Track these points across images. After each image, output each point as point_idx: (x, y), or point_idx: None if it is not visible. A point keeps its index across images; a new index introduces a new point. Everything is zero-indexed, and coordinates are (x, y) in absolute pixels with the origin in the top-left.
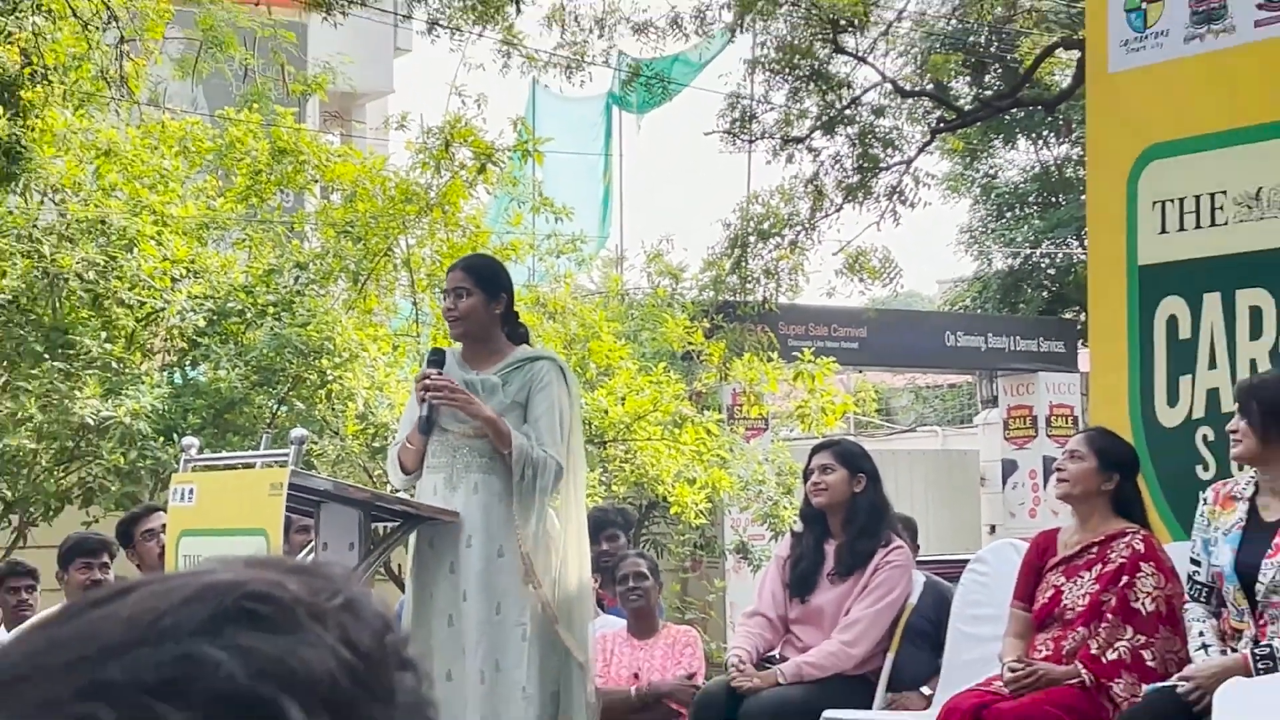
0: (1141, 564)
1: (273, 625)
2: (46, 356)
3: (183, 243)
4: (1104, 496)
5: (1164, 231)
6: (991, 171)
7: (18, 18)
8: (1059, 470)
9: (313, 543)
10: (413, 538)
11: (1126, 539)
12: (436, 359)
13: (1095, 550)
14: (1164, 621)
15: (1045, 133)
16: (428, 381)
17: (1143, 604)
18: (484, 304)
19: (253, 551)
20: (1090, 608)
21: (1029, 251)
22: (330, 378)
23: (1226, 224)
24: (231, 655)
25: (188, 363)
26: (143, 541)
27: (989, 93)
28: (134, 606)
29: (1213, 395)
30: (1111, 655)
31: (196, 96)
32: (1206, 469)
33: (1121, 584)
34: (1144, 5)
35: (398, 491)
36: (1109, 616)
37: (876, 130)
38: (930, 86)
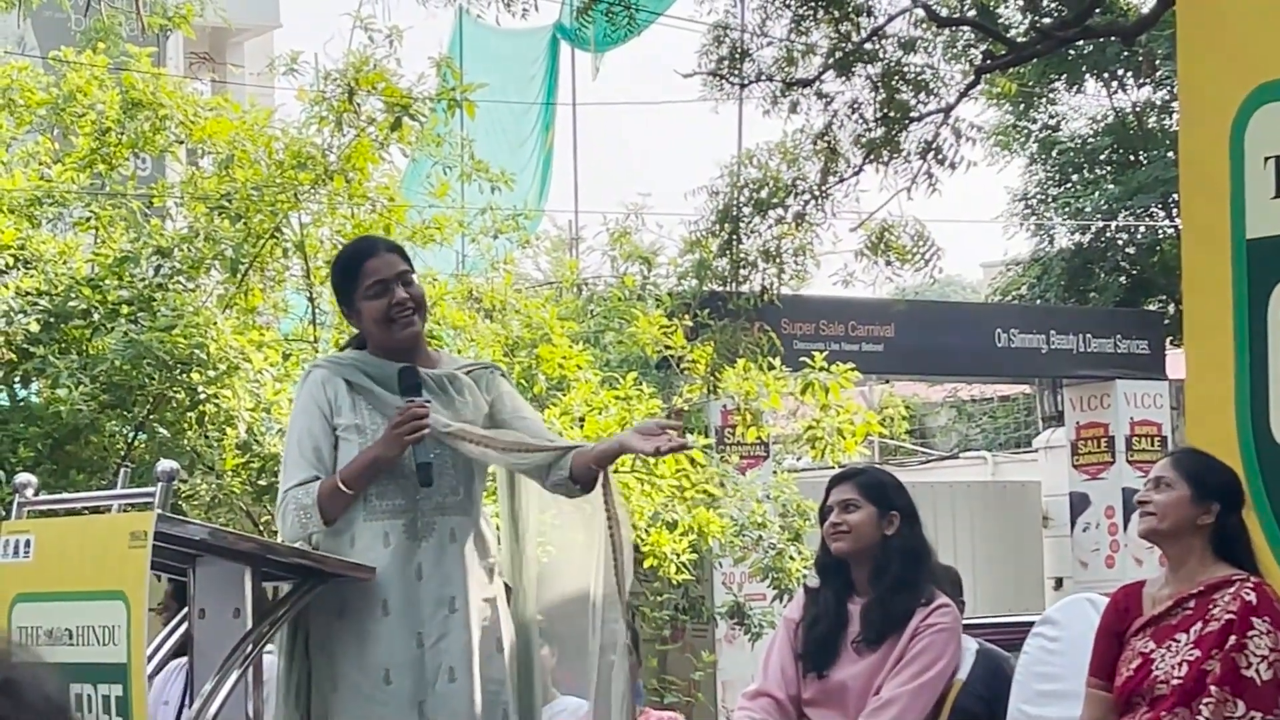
0: (1254, 619)
1: None
2: None
3: (9, 223)
4: (1201, 534)
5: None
6: (1052, 122)
7: None
8: (1142, 502)
9: (185, 610)
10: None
11: (1233, 589)
12: (414, 381)
13: (1193, 605)
14: None
15: (1121, 71)
16: (413, 412)
17: (1257, 670)
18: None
19: (109, 619)
20: (1190, 680)
21: (1102, 225)
22: (202, 396)
23: None
24: None
25: (17, 379)
26: None
27: (1049, 20)
28: None
29: None
30: None
31: (25, 34)
32: None
33: (1228, 646)
34: None
35: (294, 541)
36: (1213, 689)
37: (905, 70)
38: (974, 13)
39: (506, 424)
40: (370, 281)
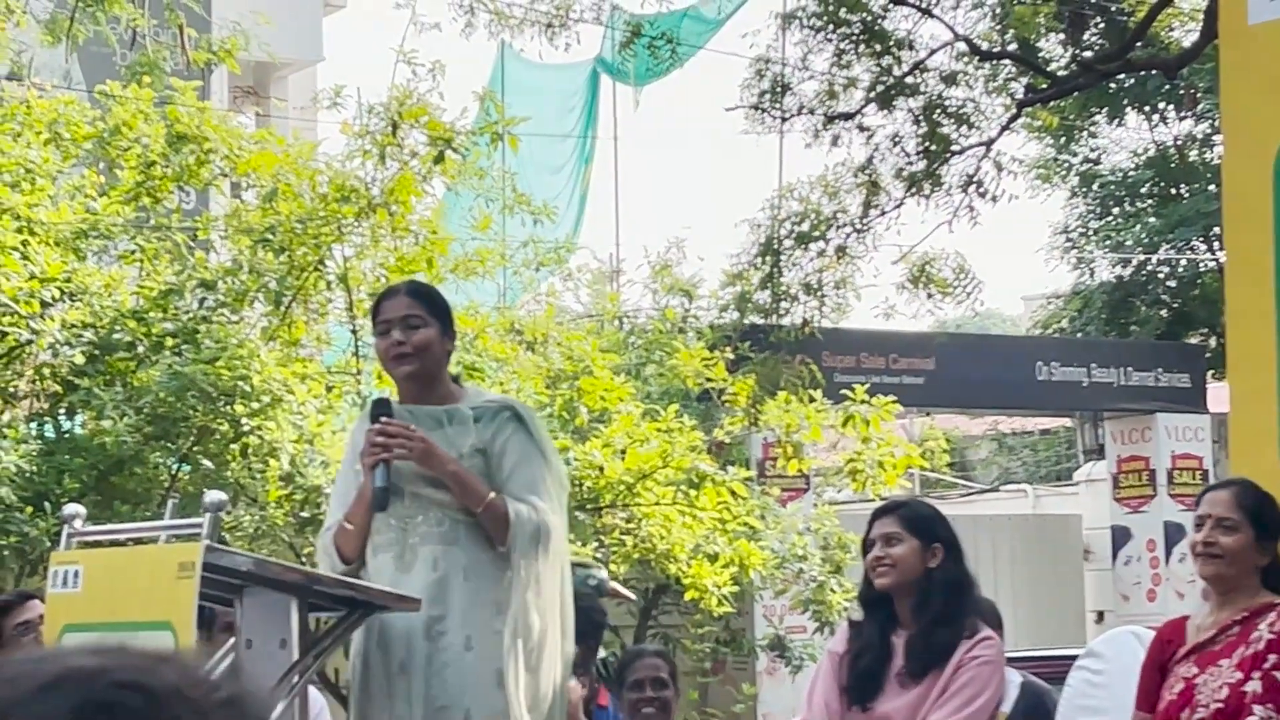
0: None
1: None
2: None
3: (55, 256)
4: (1258, 571)
5: None
6: (1094, 155)
7: None
8: (1209, 545)
9: (233, 640)
10: (357, 636)
11: (1276, 612)
12: (383, 411)
13: (1236, 631)
14: None
15: (1163, 105)
16: (379, 431)
17: None
18: (439, 339)
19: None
20: (1231, 701)
21: (1143, 258)
22: (246, 428)
23: None
24: None
25: (63, 411)
26: (16, 637)
27: (1090, 54)
28: None
29: None
30: None
31: (71, 68)
32: None
33: (1269, 665)
34: None
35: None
36: (1255, 709)
37: (947, 103)
38: (1015, 46)
39: (499, 470)
40: (379, 321)
